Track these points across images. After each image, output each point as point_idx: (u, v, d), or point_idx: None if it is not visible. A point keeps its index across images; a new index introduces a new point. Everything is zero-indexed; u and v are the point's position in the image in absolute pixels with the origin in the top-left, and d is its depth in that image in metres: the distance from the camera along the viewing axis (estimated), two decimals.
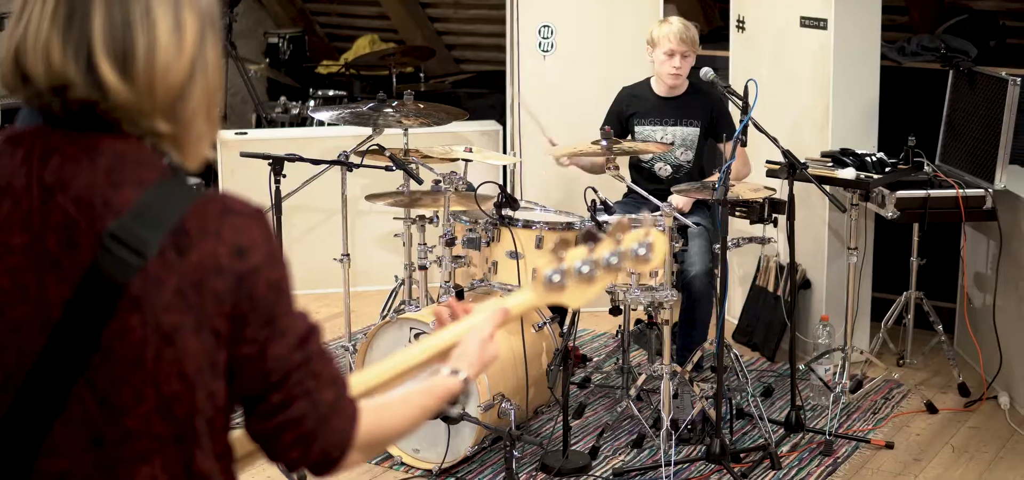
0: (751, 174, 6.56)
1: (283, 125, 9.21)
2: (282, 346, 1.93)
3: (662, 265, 5.73)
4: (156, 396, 1.86)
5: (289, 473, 1.84)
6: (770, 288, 7.16)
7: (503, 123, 8.34)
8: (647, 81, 6.71)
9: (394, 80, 8.99)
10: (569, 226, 5.96)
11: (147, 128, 1.88)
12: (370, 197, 6.62)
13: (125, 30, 1.84)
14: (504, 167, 8.12)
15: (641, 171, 6.70)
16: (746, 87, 5.69)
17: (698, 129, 6.61)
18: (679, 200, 6.21)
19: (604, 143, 5.95)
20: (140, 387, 1.85)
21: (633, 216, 5.48)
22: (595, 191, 5.85)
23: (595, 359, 7.07)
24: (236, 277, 1.87)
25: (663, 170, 6.63)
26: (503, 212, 5.95)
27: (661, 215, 5.72)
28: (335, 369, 2.01)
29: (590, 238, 2.30)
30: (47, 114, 1.88)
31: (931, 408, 6.38)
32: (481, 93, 9.95)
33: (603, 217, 5.83)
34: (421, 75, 9.72)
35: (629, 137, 6.65)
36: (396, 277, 6.96)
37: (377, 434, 2.07)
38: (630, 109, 6.71)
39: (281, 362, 1.93)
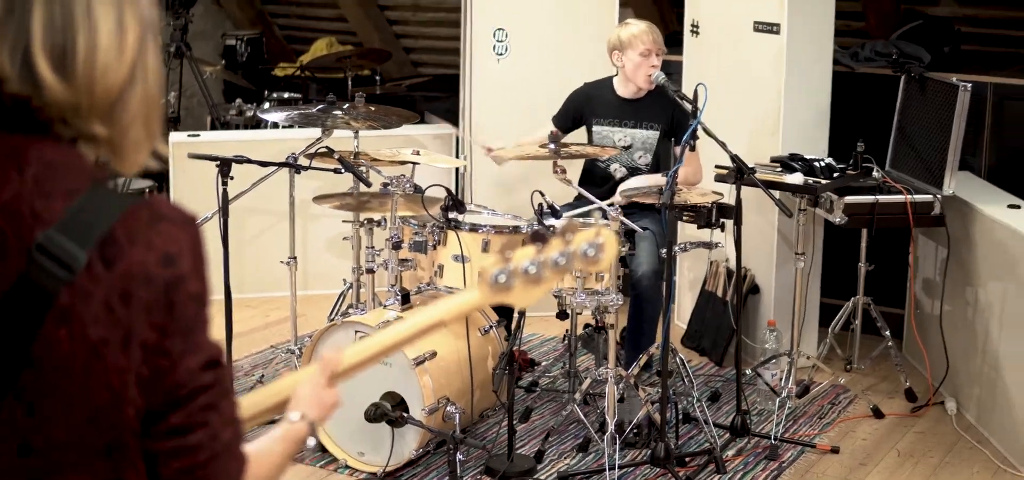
0: (702, 180, 6.55)
1: (237, 128, 9.17)
2: (194, 361, 1.87)
3: (610, 267, 5.73)
4: (86, 408, 1.81)
5: None
6: (719, 293, 7.16)
7: (458, 126, 8.33)
8: (609, 80, 6.70)
9: (349, 83, 8.96)
10: (516, 230, 5.95)
11: (82, 130, 1.83)
12: (318, 199, 6.59)
13: (66, 28, 1.80)
14: (456, 170, 8.10)
15: (595, 171, 6.68)
16: (695, 91, 5.69)
17: (658, 132, 6.60)
18: (618, 198, 6.17)
19: (552, 147, 5.93)
20: (70, 398, 1.81)
21: (581, 215, 5.49)
22: (542, 195, 5.83)
23: (543, 363, 7.05)
24: (163, 285, 1.82)
25: (619, 171, 6.62)
26: (450, 215, 5.93)
27: (609, 220, 5.71)
28: (236, 410, 1.96)
29: (539, 238, 2.27)
30: None
31: (877, 413, 6.38)
32: (437, 97, 9.92)
33: (550, 221, 5.82)
34: (377, 78, 9.68)
35: (588, 135, 6.64)
36: (344, 281, 6.93)
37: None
38: (588, 108, 6.70)
39: (190, 378, 1.87)
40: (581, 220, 2.31)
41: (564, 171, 5.99)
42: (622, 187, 6.27)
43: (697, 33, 7.53)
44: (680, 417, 6.05)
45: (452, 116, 8.93)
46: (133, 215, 1.83)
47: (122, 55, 1.84)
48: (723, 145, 5.85)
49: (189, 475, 1.90)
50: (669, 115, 6.58)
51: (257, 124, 9.16)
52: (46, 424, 1.82)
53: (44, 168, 1.82)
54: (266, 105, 9.43)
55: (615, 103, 6.65)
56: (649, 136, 6.61)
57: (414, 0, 10.69)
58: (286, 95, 9.72)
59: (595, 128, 6.66)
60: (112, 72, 1.82)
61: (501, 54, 7.83)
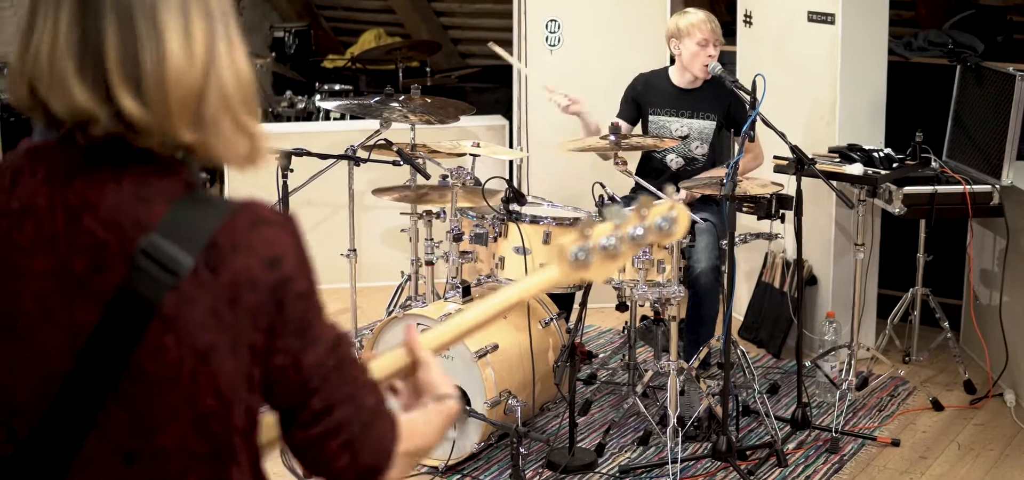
0: (761, 168, 6.55)
1: (289, 120, 9.20)
2: (315, 353, 1.90)
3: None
4: (192, 414, 1.83)
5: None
6: (776, 284, 7.15)
7: (509, 118, 8.33)
8: (665, 70, 6.70)
9: (400, 74, 8.98)
10: (576, 221, 5.94)
11: (173, 143, 1.83)
12: (377, 191, 6.61)
13: (136, 50, 1.78)
14: (510, 162, 8.11)
15: (652, 161, 6.68)
16: (754, 82, 5.68)
17: (714, 123, 6.59)
18: (683, 193, 6.19)
19: (613, 138, 5.94)
20: (175, 406, 1.82)
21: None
22: (603, 186, 5.83)
23: (601, 355, 7.06)
24: (269, 289, 1.84)
25: (675, 162, 6.62)
26: (510, 207, 5.94)
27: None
28: (368, 376, 1.99)
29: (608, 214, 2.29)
30: (52, 128, 1.84)
31: (937, 405, 6.37)
32: (487, 88, 9.94)
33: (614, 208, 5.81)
34: (427, 70, 9.71)
35: (644, 125, 6.64)
36: (402, 273, 6.95)
37: (412, 446, 2.06)
38: (646, 97, 6.69)
39: (317, 368, 1.90)
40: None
41: (625, 162, 5.99)
42: (684, 183, 6.25)
43: (750, 23, 7.52)
44: (740, 410, 6.05)
45: (501, 108, 8.95)
46: (234, 221, 1.84)
47: (193, 60, 1.82)
48: (783, 136, 5.84)
49: (349, 450, 1.93)
50: (725, 106, 6.57)
51: (308, 116, 9.18)
52: (152, 432, 1.83)
53: (140, 177, 1.83)
54: (317, 97, 9.45)
55: (672, 93, 6.64)
56: (706, 126, 6.60)
57: None
58: (337, 87, 9.74)
59: (652, 118, 6.65)
60: (185, 79, 1.81)
61: (554, 45, 7.83)
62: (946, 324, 6.70)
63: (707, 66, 6.40)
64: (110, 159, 1.82)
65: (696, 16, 6.48)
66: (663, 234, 2.30)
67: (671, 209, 2.31)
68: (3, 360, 1.84)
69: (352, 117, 6.81)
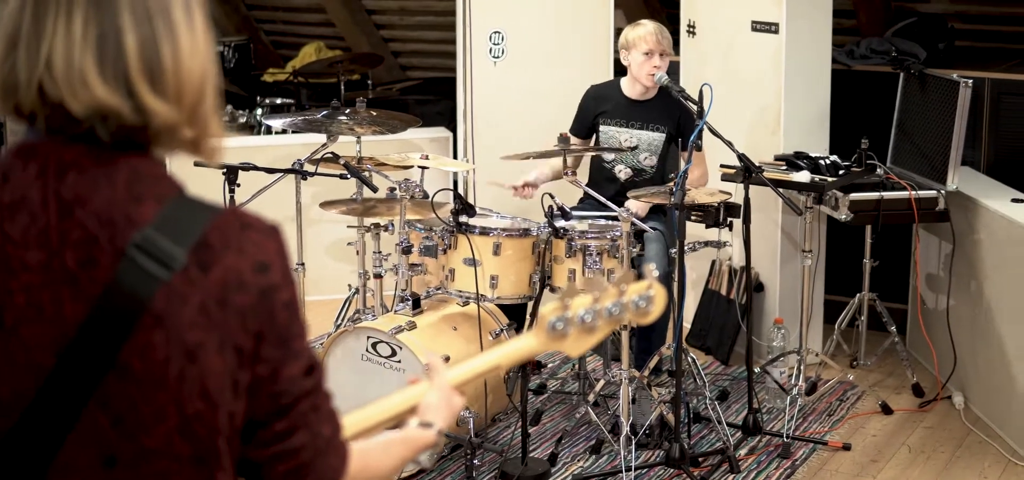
0: (708, 183, 6.58)
1: (231, 134, 9.16)
2: (295, 368, 1.89)
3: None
4: (178, 415, 1.82)
5: None
6: (722, 292, 7.18)
7: (452, 129, 8.32)
8: (617, 81, 6.71)
9: (342, 88, 8.95)
10: (526, 233, 5.94)
11: (177, 139, 1.84)
12: (325, 204, 6.57)
13: (154, 44, 1.79)
14: (454, 174, 8.10)
15: (602, 172, 6.69)
16: (701, 92, 5.69)
17: (664, 134, 6.60)
18: (635, 205, 6.22)
19: (561, 147, 5.94)
20: (162, 406, 1.81)
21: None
22: (553, 197, 5.84)
23: (549, 365, 7.06)
24: (259, 292, 1.83)
25: (624, 172, 6.62)
26: (460, 219, 5.93)
27: (619, 221, 5.72)
28: (333, 406, 1.98)
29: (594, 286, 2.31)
30: (55, 129, 1.82)
31: (886, 409, 6.41)
32: (428, 100, 9.93)
33: (561, 223, 5.83)
34: (369, 83, 9.69)
35: (594, 136, 6.65)
36: (349, 286, 6.92)
37: (362, 477, 2.06)
38: (597, 107, 6.70)
39: (292, 385, 1.89)
40: (632, 270, 2.35)
41: (575, 173, 6.01)
42: (632, 193, 6.27)
43: (694, 33, 7.54)
44: (691, 417, 6.06)
45: (444, 120, 8.94)
46: (224, 222, 1.84)
47: (197, 51, 1.84)
48: (730, 144, 5.87)
49: (295, 475, 1.92)
50: (676, 118, 6.58)
51: (250, 130, 9.14)
52: (136, 433, 1.82)
53: (133, 174, 1.82)
54: (259, 111, 9.41)
55: (623, 104, 6.65)
56: (655, 138, 6.61)
57: (401, 4, 10.68)
58: (279, 101, 9.70)
59: (602, 128, 6.66)
60: (195, 73, 1.83)
61: (497, 57, 7.83)
62: (893, 329, 6.75)
63: (653, 76, 6.42)
64: (104, 155, 1.82)
65: (645, 28, 6.49)
66: (640, 312, 2.33)
67: (649, 288, 2.34)
68: None
69: (294, 131, 6.77)
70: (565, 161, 6.07)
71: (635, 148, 6.55)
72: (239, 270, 1.82)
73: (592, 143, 6.69)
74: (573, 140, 6.44)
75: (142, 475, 1.84)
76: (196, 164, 2.07)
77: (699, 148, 6.00)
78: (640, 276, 2.37)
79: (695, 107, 5.76)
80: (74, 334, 1.79)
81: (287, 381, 1.89)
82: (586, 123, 6.69)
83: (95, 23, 1.79)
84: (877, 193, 6.42)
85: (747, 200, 5.95)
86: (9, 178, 1.83)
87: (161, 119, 1.80)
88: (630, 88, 6.61)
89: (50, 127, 1.82)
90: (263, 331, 1.85)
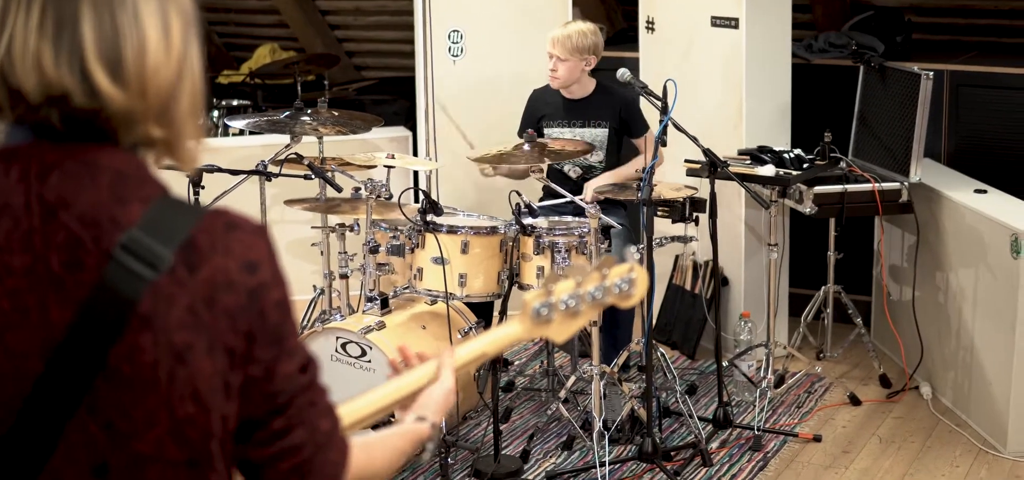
0: (673, 171, 6.59)
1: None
2: (290, 366, 1.88)
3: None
4: (169, 419, 1.79)
5: None
6: (687, 286, 7.19)
7: (412, 129, 8.31)
8: None
9: (299, 88, 8.91)
10: (494, 230, 5.93)
11: (141, 135, 1.82)
12: (289, 202, 6.54)
13: (115, 36, 1.78)
14: (415, 173, 8.08)
15: (552, 173, 6.69)
16: (664, 87, 5.69)
17: (607, 129, 6.61)
18: (590, 192, 6.22)
19: (528, 146, 5.94)
20: (153, 409, 1.78)
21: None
22: (519, 194, 5.84)
23: (516, 362, 7.05)
24: (247, 292, 1.82)
25: (573, 171, 6.63)
26: (427, 218, 5.91)
27: (587, 216, 5.73)
28: (330, 400, 1.97)
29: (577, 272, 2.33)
30: (38, 129, 1.81)
31: (854, 400, 6.44)
32: (385, 100, 9.90)
33: (528, 220, 5.83)
34: (325, 83, 9.65)
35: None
36: (314, 287, 6.89)
37: (363, 473, 2.05)
38: (540, 111, 6.73)
39: (288, 383, 1.87)
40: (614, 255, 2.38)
41: (541, 171, 6.02)
42: (594, 184, 6.29)
43: (652, 29, 7.55)
44: (661, 411, 6.07)
45: (400, 119, 8.92)
46: (211, 222, 1.82)
47: (170, 54, 1.82)
48: (695, 139, 5.87)
49: (296, 473, 1.91)
50: (617, 111, 6.60)
51: (209, 132, 9.08)
52: (127, 439, 1.79)
53: (116, 176, 1.80)
54: (215, 113, 9.35)
55: (561, 104, 6.68)
56: (598, 134, 6.62)
57: (356, 4, 10.65)
58: (235, 102, 9.65)
59: (546, 130, 6.67)
60: (162, 72, 1.81)
61: (457, 56, 7.82)
62: (859, 320, 6.78)
63: (553, 78, 6.51)
64: (87, 156, 1.80)
65: (552, 32, 6.56)
66: (622, 296, 2.36)
67: (631, 271, 2.37)
68: None
69: (252, 132, 6.74)
70: (531, 161, 6.07)
71: (593, 148, 6.53)
72: (227, 270, 1.80)
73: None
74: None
75: None
76: (166, 168, 2.06)
77: (664, 144, 6.01)
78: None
79: (659, 102, 5.76)
80: (61, 338, 1.77)
81: (282, 379, 1.87)
82: (531, 126, 6.67)
83: (53, 11, 1.78)
84: (841, 186, 6.44)
85: (713, 194, 5.97)
86: None
87: (116, 104, 1.78)
88: (567, 88, 6.64)
89: (15, 119, 1.81)
90: (254, 331, 1.83)
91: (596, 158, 6.63)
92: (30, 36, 1.77)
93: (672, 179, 6.54)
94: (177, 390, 1.78)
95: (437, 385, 2.28)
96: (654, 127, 5.92)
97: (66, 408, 1.77)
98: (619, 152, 6.78)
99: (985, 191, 6.38)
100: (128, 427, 1.79)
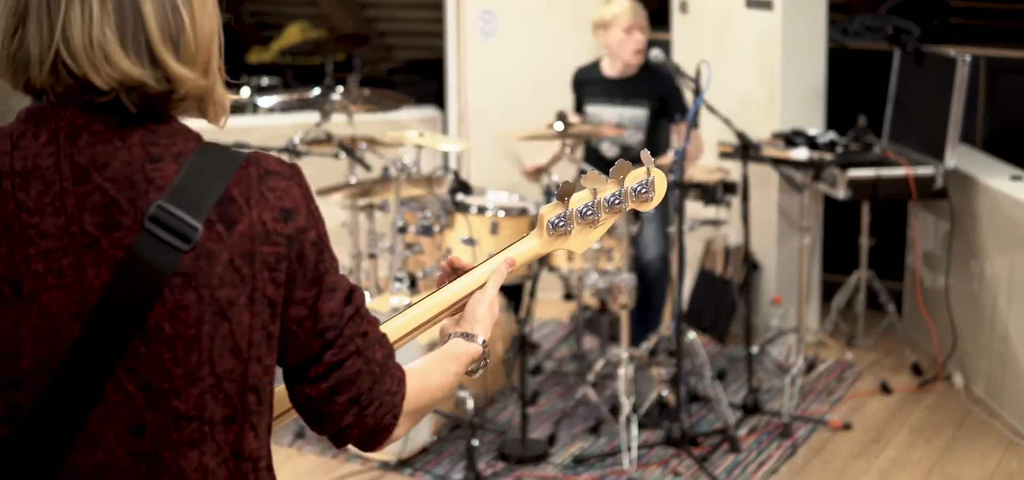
0: (703, 157, 6.52)
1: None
2: (333, 302, 1.88)
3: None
4: (211, 375, 1.80)
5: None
6: (718, 271, 7.13)
7: (441, 108, 8.27)
8: (597, 63, 6.65)
9: (330, 68, 8.88)
10: (523, 211, 5.89)
11: (195, 102, 1.84)
12: (322, 192, 6.49)
13: (173, 16, 1.78)
14: (445, 153, 8.03)
15: (589, 153, 6.63)
16: (698, 69, 5.63)
17: (647, 111, 6.55)
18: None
19: (560, 125, 5.89)
20: (194, 367, 1.79)
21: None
22: (550, 176, 5.79)
23: (545, 346, 7.00)
24: (286, 240, 1.82)
25: (611, 151, 6.57)
26: (456, 198, 5.87)
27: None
28: (380, 331, 1.97)
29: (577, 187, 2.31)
30: (72, 101, 1.80)
31: (886, 388, 6.37)
32: (414, 80, 9.86)
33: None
34: (355, 63, 9.61)
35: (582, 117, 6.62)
36: (343, 266, 6.85)
37: (421, 400, 2.03)
38: (581, 89, 6.66)
39: (334, 318, 1.88)
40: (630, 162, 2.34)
41: (573, 151, 5.96)
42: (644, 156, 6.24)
43: (686, 11, 7.49)
44: (689, 397, 6.01)
45: (430, 99, 8.87)
46: (245, 173, 1.82)
47: (211, 16, 1.83)
48: (728, 122, 5.82)
49: (356, 404, 1.91)
50: (658, 93, 6.53)
51: (235, 110, 9.05)
52: (167, 398, 1.79)
53: (147, 135, 1.80)
54: (247, 91, 9.32)
55: (604, 83, 6.60)
56: (638, 114, 6.55)
57: None
58: (265, 81, 9.61)
59: (587, 109, 6.61)
60: (210, 35, 1.83)
61: (489, 35, 7.78)
62: (892, 308, 6.71)
63: (639, 51, 6.37)
64: (116, 117, 1.80)
65: (619, 5, 6.44)
66: (641, 199, 2.34)
67: (648, 174, 2.34)
68: (7, 326, 1.77)
69: (282, 110, 6.70)
70: (563, 142, 6.01)
71: (619, 126, 6.47)
72: (264, 221, 1.81)
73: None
74: (572, 117, 6.39)
75: (171, 441, 1.81)
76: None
77: (696, 126, 5.96)
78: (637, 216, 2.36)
79: (692, 84, 5.70)
80: (98, 299, 1.76)
81: (327, 316, 1.88)
82: (579, 105, 6.64)
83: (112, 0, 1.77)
84: (875, 170, 6.36)
85: (746, 177, 5.91)
86: (19, 146, 1.80)
87: (188, 87, 1.79)
88: (610, 67, 6.56)
89: (66, 99, 1.80)
90: (294, 273, 1.84)
91: (635, 139, 6.56)
92: (92, 24, 1.76)
93: (704, 162, 6.48)
94: (218, 345, 1.80)
95: (482, 295, 2.24)
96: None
97: (105, 369, 1.77)
98: (656, 134, 6.72)
99: (1021, 178, 6.29)
100: (168, 386, 1.79)
